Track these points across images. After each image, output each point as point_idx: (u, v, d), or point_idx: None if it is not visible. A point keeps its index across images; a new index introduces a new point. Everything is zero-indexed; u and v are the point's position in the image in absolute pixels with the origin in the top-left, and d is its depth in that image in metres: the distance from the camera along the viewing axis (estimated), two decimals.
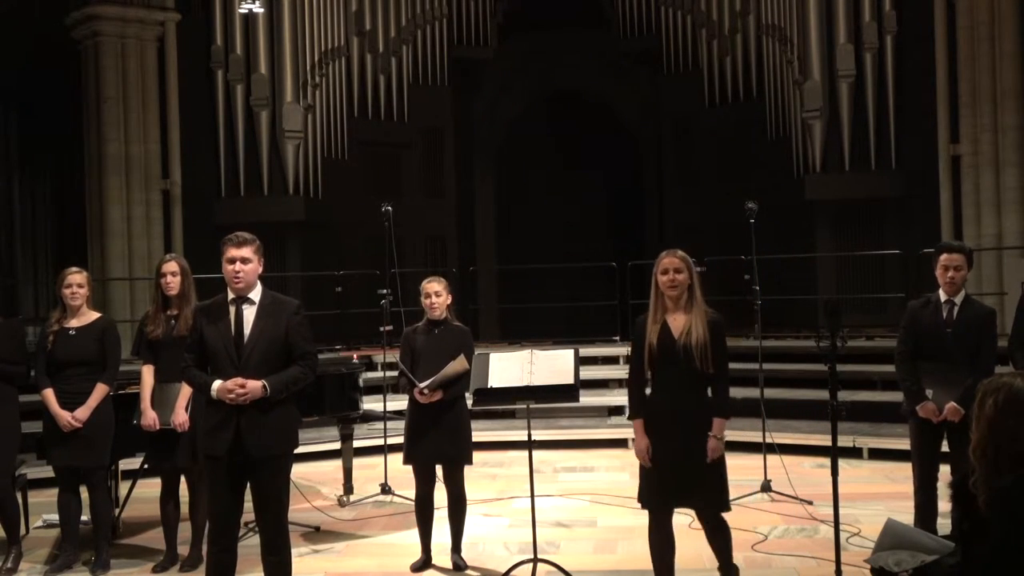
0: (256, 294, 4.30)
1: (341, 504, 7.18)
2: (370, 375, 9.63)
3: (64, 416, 5.37)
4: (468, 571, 5.51)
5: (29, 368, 5.63)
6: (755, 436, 7.88)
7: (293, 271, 12.48)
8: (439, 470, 5.59)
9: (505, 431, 9.17)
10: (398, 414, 6.91)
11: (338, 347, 11.65)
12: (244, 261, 4.23)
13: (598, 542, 6.03)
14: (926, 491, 5.09)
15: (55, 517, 6.02)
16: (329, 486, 7.75)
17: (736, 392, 9.34)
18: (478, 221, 15.83)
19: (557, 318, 13.09)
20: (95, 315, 5.61)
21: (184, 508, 5.74)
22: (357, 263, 12.38)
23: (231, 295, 4.28)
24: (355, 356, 10.71)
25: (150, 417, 5.48)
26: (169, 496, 5.68)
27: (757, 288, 7.63)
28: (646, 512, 4.51)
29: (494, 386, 5.08)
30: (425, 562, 5.56)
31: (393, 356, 6.61)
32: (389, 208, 8.07)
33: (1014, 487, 2.98)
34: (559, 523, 6.47)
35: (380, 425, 7.82)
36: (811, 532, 6.09)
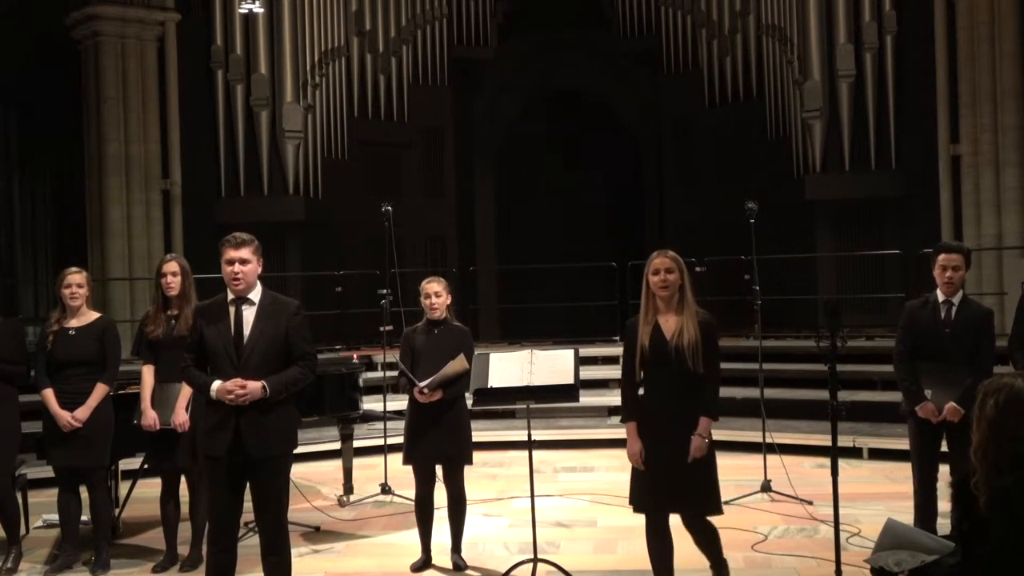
0: (256, 295, 4.30)
1: (341, 504, 7.18)
2: (370, 375, 9.63)
3: (64, 416, 5.37)
4: (468, 571, 5.51)
5: (29, 368, 5.63)
6: (755, 436, 7.88)
7: (293, 271, 12.49)
8: (439, 470, 5.59)
9: (505, 431, 9.17)
10: (398, 414, 6.91)
11: (338, 347, 11.66)
12: (243, 262, 4.23)
13: (598, 542, 6.03)
14: (926, 491, 5.08)
15: (55, 517, 6.02)
16: (329, 486, 7.74)
17: (736, 392, 9.44)
18: (478, 221, 15.83)
19: (557, 318, 13.09)
20: (95, 315, 5.61)
21: (184, 508, 5.74)
22: (357, 263, 12.38)
23: (231, 295, 4.28)
24: (355, 356, 10.72)
25: (150, 417, 5.48)
26: (169, 496, 5.68)
27: (757, 288, 7.62)
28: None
29: (494, 386, 5.08)
30: (425, 562, 5.56)
31: (393, 356, 6.60)
32: (389, 208, 8.06)
33: (1014, 487, 2.98)
34: (559, 523, 6.47)
35: (380, 425, 7.82)
36: (811, 532, 6.09)
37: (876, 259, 11.92)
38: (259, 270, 4.31)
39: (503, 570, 5.27)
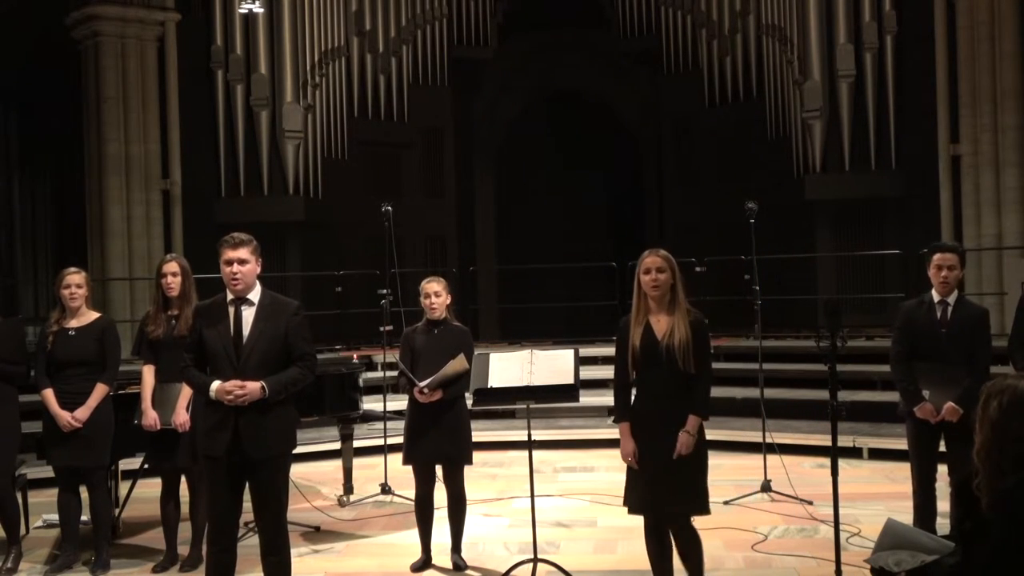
0: (255, 295, 4.29)
1: (341, 504, 7.18)
2: (370, 375, 9.63)
3: (64, 416, 5.37)
4: (468, 571, 5.51)
5: (29, 368, 5.63)
6: (755, 436, 7.88)
7: (293, 271, 12.49)
8: (439, 470, 5.59)
9: (505, 431, 9.17)
10: (398, 414, 6.91)
11: (338, 347, 11.66)
12: (241, 262, 4.22)
13: (598, 542, 6.03)
14: (925, 491, 5.08)
15: (55, 517, 6.02)
16: (329, 486, 7.74)
17: (736, 392, 9.46)
18: (478, 221, 15.83)
19: (557, 318, 13.10)
20: (94, 315, 5.61)
21: (184, 508, 5.74)
22: (357, 263, 12.39)
23: (230, 296, 4.28)
24: (355, 356, 10.73)
25: (151, 417, 5.48)
26: (169, 496, 5.68)
27: (757, 288, 7.62)
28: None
29: (494, 386, 5.08)
30: (425, 562, 5.56)
31: (393, 356, 6.60)
32: (389, 208, 8.06)
33: (1017, 488, 2.98)
34: (559, 523, 6.48)
35: (380, 425, 7.81)
36: (811, 532, 6.09)
37: (876, 259, 11.92)
38: (258, 270, 4.31)
39: (503, 570, 5.27)
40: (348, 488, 7.34)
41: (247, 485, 4.26)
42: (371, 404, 8.31)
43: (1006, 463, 3.03)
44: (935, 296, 5.14)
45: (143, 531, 6.41)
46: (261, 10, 11.96)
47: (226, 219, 11.36)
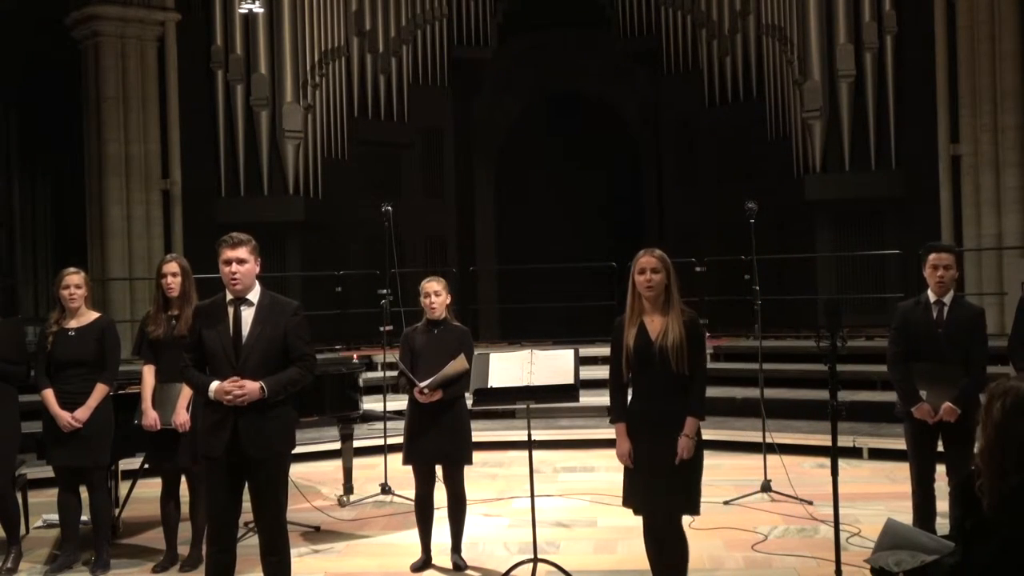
0: (255, 295, 4.29)
1: (341, 504, 7.18)
2: (370, 375, 9.64)
3: (64, 416, 5.37)
4: (468, 571, 5.51)
5: (29, 368, 5.62)
6: (755, 436, 7.88)
7: (293, 271, 12.49)
8: (439, 470, 5.59)
9: (505, 431, 9.17)
10: (398, 414, 6.91)
11: (338, 347, 11.66)
12: (240, 262, 4.22)
13: (598, 542, 6.03)
14: (924, 492, 5.09)
15: (55, 517, 6.02)
16: (329, 486, 7.74)
17: (736, 392, 9.46)
18: (478, 221, 15.83)
19: (557, 318, 13.09)
20: (94, 315, 5.60)
21: (184, 508, 5.74)
22: (357, 263, 12.39)
23: (229, 296, 4.28)
24: (355, 356, 10.74)
25: (151, 417, 5.48)
26: (169, 496, 5.67)
27: (757, 288, 7.62)
28: None
29: (494, 386, 5.07)
30: (425, 562, 5.56)
31: (393, 356, 6.61)
32: (389, 208, 8.06)
33: (1020, 488, 2.98)
34: (559, 523, 6.48)
35: (380, 425, 7.81)
36: (811, 532, 6.09)
37: (876, 259, 11.91)
38: (257, 270, 4.30)
39: (503, 570, 5.27)
40: (348, 488, 7.34)
41: (247, 485, 4.26)
42: (371, 404, 8.31)
43: (1009, 464, 3.03)
44: (931, 296, 5.14)
45: (143, 531, 6.41)
46: (261, 10, 11.95)
47: (226, 219, 11.36)
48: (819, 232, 12.56)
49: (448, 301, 5.61)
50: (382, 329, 8.15)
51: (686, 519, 4.42)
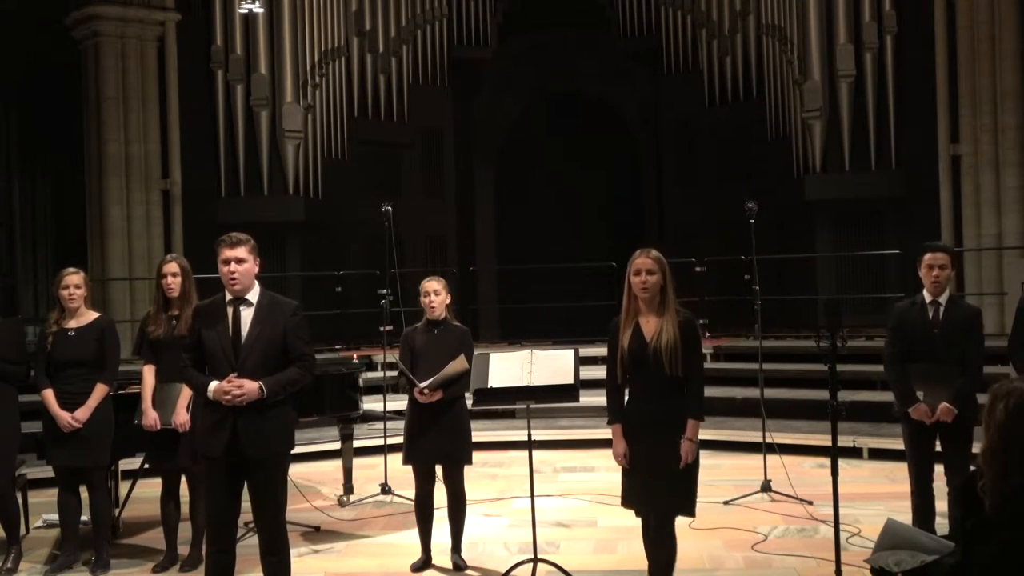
0: (254, 295, 4.29)
1: (341, 504, 7.18)
2: (370, 375, 9.64)
3: (64, 417, 5.37)
4: (468, 571, 5.51)
5: (29, 368, 5.62)
6: (755, 436, 7.88)
7: (293, 271, 12.49)
8: (439, 470, 5.59)
9: (505, 431, 9.17)
10: (398, 414, 6.91)
11: (338, 347, 11.67)
12: (239, 261, 4.22)
13: (598, 542, 6.03)
14: (922, 492, 5.08)
15: (55, 517, 6.02)
16: (329, 486, 7.74)
17: (736, 392, 9.46)
18: (478, 221, 15.83)
19: (557, 318, 13.09)
20: (94, 315, 5.60)
21: (184, 508, 5.74)
22: (357, 263, 12.39)
23: (229, 296, 4.28)
24: (355, 356, 10.74)
25: (151, 417, 5.48)
26: (169, 496, 5.67)
27: (757, 288, 7.62)
28: None
29: (494, 386, 5.07)
30: (425, 562, 5.56)
31: (393, 356, 6.60)
32: (389, 208, 8.06)
33: (1023, 489, 2.99)
34: (559, 523, 6.48)
35: (380, 425, 7.81)
36: (811, 532, 6.09)
37: (876, 259, 11.91)
38: (256, 269, 4.30)
39: (503, 570, 5.27)
40: (348, 488, 7.33)
41: (246, 485, 4.26)
42: (371, 404, 8.31)
43: (1011, 465, 3.03)
44: (927, 296, 5.13)
45: (143, 531, 6.41)
46: (261, 10, 11.95)
47: (226, 219, 11.36)
48: (819, 232, 12.56)
49: (448, 301, 5.61)
50: (382, 329, 8.15)
51: (684, 519, 4.41)
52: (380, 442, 7.77)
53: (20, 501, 5.97)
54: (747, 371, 9.22)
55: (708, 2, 13.68)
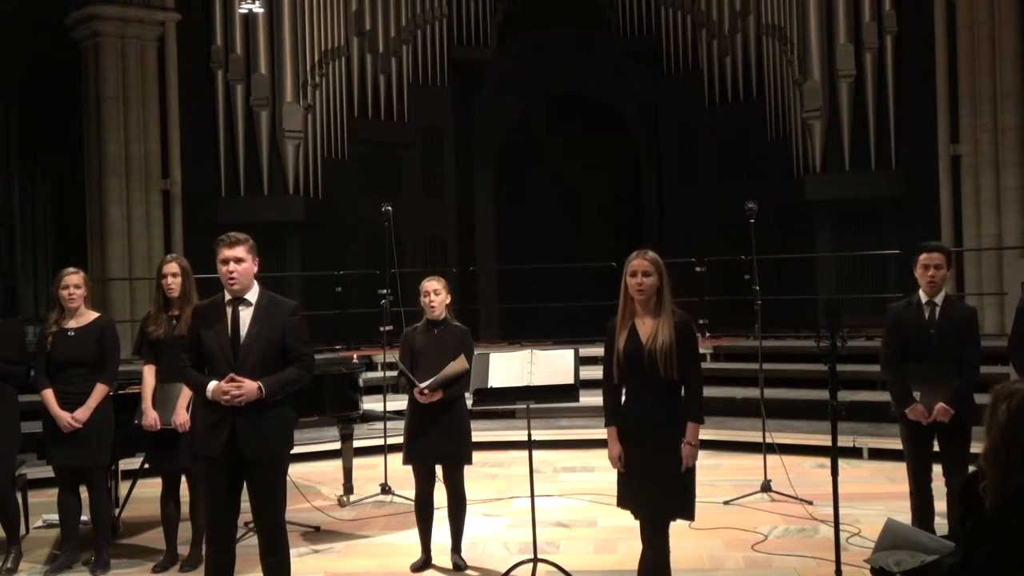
0: (253, 295, 4.29)
1: (341, 504, 7.18)
2: (370, 375, 9.64)
3: (64, 417, 5.37)
4: (468, 571, 5.51)
5: (28, 368, 5.62)
6: (755, 436, 7.88)
7: (293, 271, 12.49)
8: (439, 470, 5.59)
9: (505, 431, 9.17)
10: (398, 414, 6.92)
11: (338, 347, 11.66)
12: (238, 261, 4.22)
13: (598, 542, 6.03)
14: (921, 492, 5.08)
15: (55, 517, 6.02)
16: (329, 486, 7.74)
17: (736, 392, 9.46)
18: (478, 221, 15.84)
19: (557, 318, 13.09)
20: (94, 315, 5.60)
21: (184, 508, 5.74)
22: (357, 263, 12.39)
23: (228, 296, 4.27)
24: (355, 356, 10.74)
25: (151, 417, 5.48)
26: (169, 496, 5.68)
27: (757, 288, 7.62)
28: None
29: (494, 386, 5.07)
30: (425, 562, 5.56)
31: (393, 356, 6.61)
32: (389, 208, 8.06)
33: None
34: (559, 523, 6.48)
35: (380, 425, 7.81)
36: (811, 532, 6.09)
37: (876, 259, 11.91)
38: (255, 269, 4.29)
39: (503, 570, 5.27)
40: (348, 488, 7.34)
41: (246, 485, 4.26)
42: (371, 404, 8.31)
43: (1013, 466, 3.03)
44: (923, 297, 5.12)
45: (143, 531, 6.42)
46: (261, 10, 11.95)
47: (226, 219, 11.36)
48: (819, 232, 12.56)
49: (448, 301, 5.61)
50: (382, 329, 8.15)
51: (686, 520, 4.38)
52: (380, 442, 7.77)
53: (20, 501, 5.97)
54: (747, 371, 9.22)
55: (708, 2, 13.68)
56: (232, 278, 4.22)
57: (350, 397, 7.22)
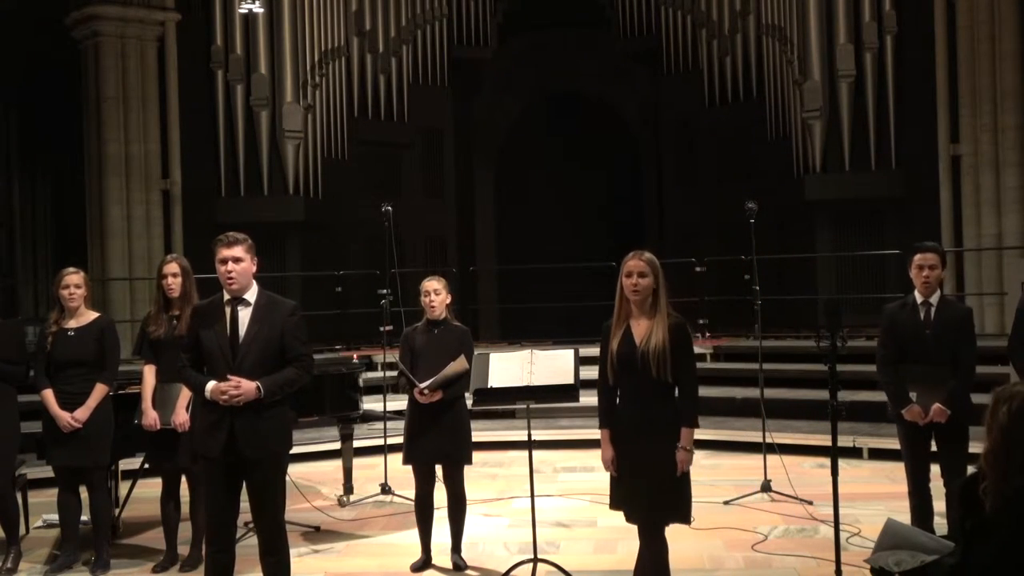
0: (252, 295, 4.29)
1: (341, 504, 7.18)
2: (370, 375, 9.64)
3: (64, 417, 5.37)
4: (468, 571, 5.51)
5: (28, 368, 5.62)
6: (755, 436, 7.88)
7: (293, 271, 12.48)
8: (439, 470, 5.59)
9: (505, 431, 9.17)
10: (398, 414, 6.91)
11: (338, 347, 11.66)
12: (236, 260, 4.21)
13: (598, 542, 6.02)
14: (920, 492, 5.08)
15: (55, 517, 6.02)
16: (329, 486, 7.74)
17: (736, 392, 9.46)
18: (478, 221, 15.84)
19: (557, 318, 13.09)
20: (94, 315, 5.60)
21: (184, 508, 5.74)
22: (357, 263, 12.39)
23: (227, 296, 4.27)
24: (355, 356, 10.74)
25: (151, 417, 5.48)
26: (169, 496, 5.68)
27: (757, 288, 7.62)
28: None
29: (494, 386, 5.07)
30: (425, 562, 5.56)
31: (393, 356, 6.61)
32: (389, 208, 8.06)
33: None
34: (559, 523, 6.47)
35: (380, 425, 7.81)
36: (811, 532, 6.09)
37: (876, 259, 11.91)
38: (253, 269, 4.29)
39: (503, 570, 5.27)
40: (348, 488, 7.34)
41: (244, 485, 4.25)
42: (371, 404, 8.31)
43: (1013, 467, 3.04)
44: (918, 297, 5.12)
45: (143, 531, 6.42)
46: (261, 10, 11.95)
47: (226, 219, 11.35)
48: (819, 232, 12.56)
49: (448, 300, 5.61)
50: (382, 329, 8.15)
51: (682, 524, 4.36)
52: (380, 442, 7.77)
53: (20, 501, 5.97)
54: (747, 371, 9.21)
55: (708, 2, 13.68)
56: (230, 278, 4.22)
57: (350, 397, 7.22)
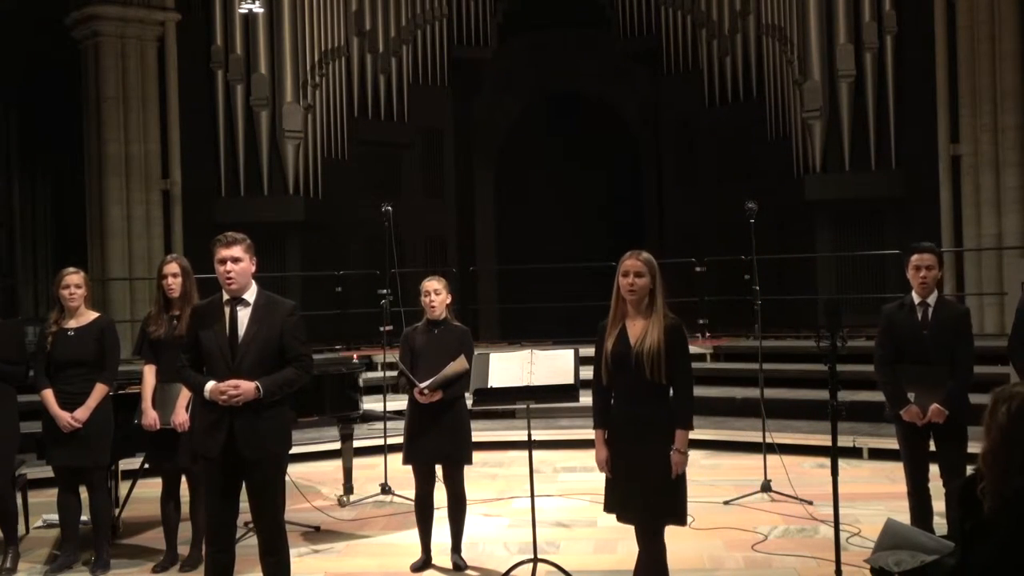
0: (251, 295, 4.28)
1: (341, 504, 7.18)
2: (370, 375, 9.64)
3: (64, 417, 5.37)
4: (468, 571, 5.51)
5: (28, 368, 5.62)
6: (755, 436, 7.88)
7: (293, 271, 12.48)
8: (439, 470, 5.59)
9: (505, 431, 9.17)
10: (398, 414, 6.91)
11: (338, 347, 11.66)
12: (235, 260, 4.21)
13: (598, 542, 6.02)
14: (919, 493, 5.08)
15: (55, 517, 6.02)
16: (329, 486, 7.74)
17: (736, 392, 9.45)
18: (478, 221, 15.84)
19: (557, 318, 13.09)
20: (93, 315, 5.60)
21: (184, 508, 5.74)
22: (357, 263, 12.39)
23: (226, 296, 4.27)
24: (355, 356, 10.74)
25: (151, 417, 5.48)
26: (169, 496, 5.68)
27: (757, 288, 7.62)
28: None
29: (494, 386, 5.07)
30: (425, 562, 5.56)
31: (393, 356, 6.61)
32: (389, 208, 8.06)
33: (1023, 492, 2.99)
34: (559, 523, 6.47)
35: (380, 425, 7.81)
36: (811, 532, 6.09)
37: (876, 259, 11.91)
38: (252, 269, 4.28)
39: (503, 570, 5.27)
40: (348, 488, 7.34)
41: (244, 485, 4.25)
42: (371, 404, 8.31)
43: (1012, 467, 3.04)
44: (915, 298, 5.12)
45: (143, 531, 6.41)
46: (261, 10, 11.95)
47: (226, 219, 11.34)
48: (819, 232, 12.56)
49: (448, 300, 5.61)
50: (382, 329, 8.15)
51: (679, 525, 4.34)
52: (380, 442, 7.77)
53: (20, 501, 5.97)
54: (747, 371, 9.21)
55: (708, 2, 13.68)
56: (229, 278, 4.22)
57: (350, 397, 7.22)
